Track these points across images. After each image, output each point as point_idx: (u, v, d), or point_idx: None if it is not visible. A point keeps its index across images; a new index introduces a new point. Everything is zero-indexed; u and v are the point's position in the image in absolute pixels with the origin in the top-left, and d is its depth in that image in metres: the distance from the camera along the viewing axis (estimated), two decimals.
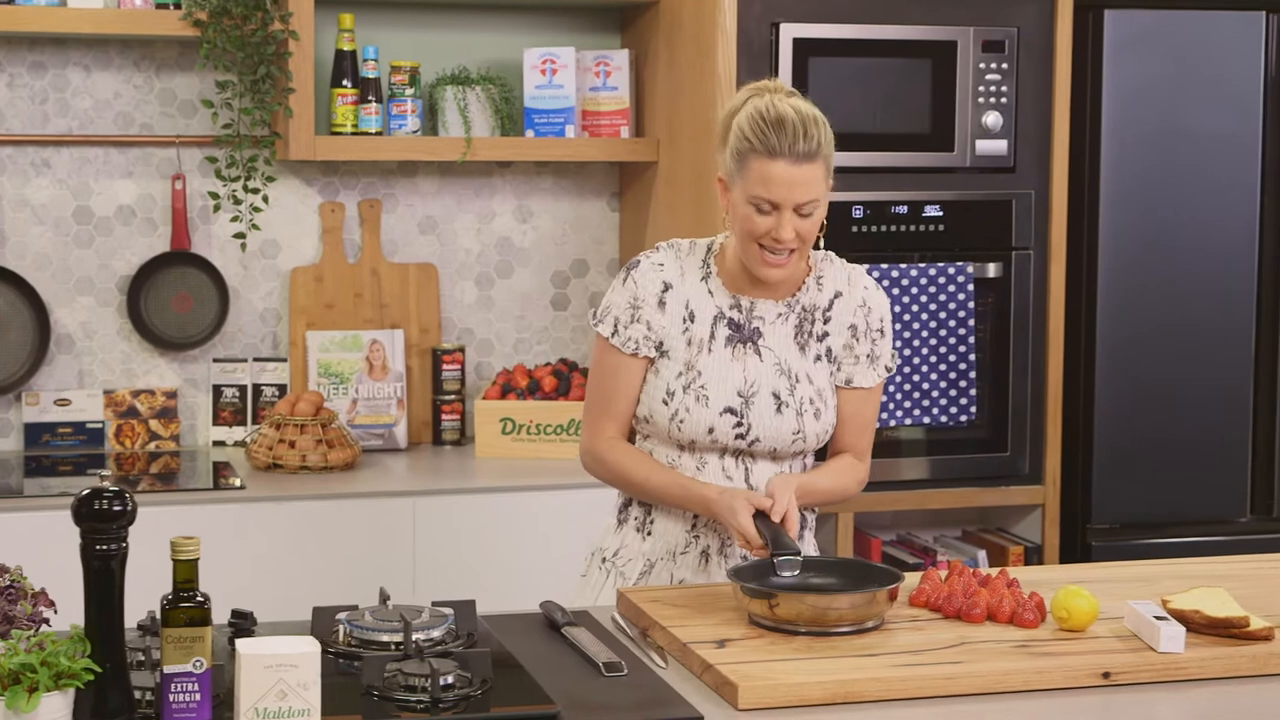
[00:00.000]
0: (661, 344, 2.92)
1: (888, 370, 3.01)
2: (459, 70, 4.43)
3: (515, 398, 4.34)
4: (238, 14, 4.11)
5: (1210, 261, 4.34)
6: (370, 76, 4.30)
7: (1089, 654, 2.48)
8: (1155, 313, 4.32)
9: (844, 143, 4.06)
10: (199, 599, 2.08)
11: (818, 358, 2.94)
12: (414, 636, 2.48)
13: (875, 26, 4.12)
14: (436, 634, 2.52)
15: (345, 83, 4.29)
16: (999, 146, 4.21)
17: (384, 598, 2.63)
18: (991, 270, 4.23)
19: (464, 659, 2.37)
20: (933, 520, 4.53)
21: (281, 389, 4.45)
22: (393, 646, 2.48)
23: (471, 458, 4.34)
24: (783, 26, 4.05)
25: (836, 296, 2.95)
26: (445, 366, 4.46)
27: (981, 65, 4.18)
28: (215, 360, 4.46)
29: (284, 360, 4.47)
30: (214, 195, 4.32)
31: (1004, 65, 4.20)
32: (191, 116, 4.38)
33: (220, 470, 4.13)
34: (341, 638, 2.53)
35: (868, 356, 2.97)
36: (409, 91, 4.32)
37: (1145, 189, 4.29)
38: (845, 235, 4.12)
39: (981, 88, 4.19)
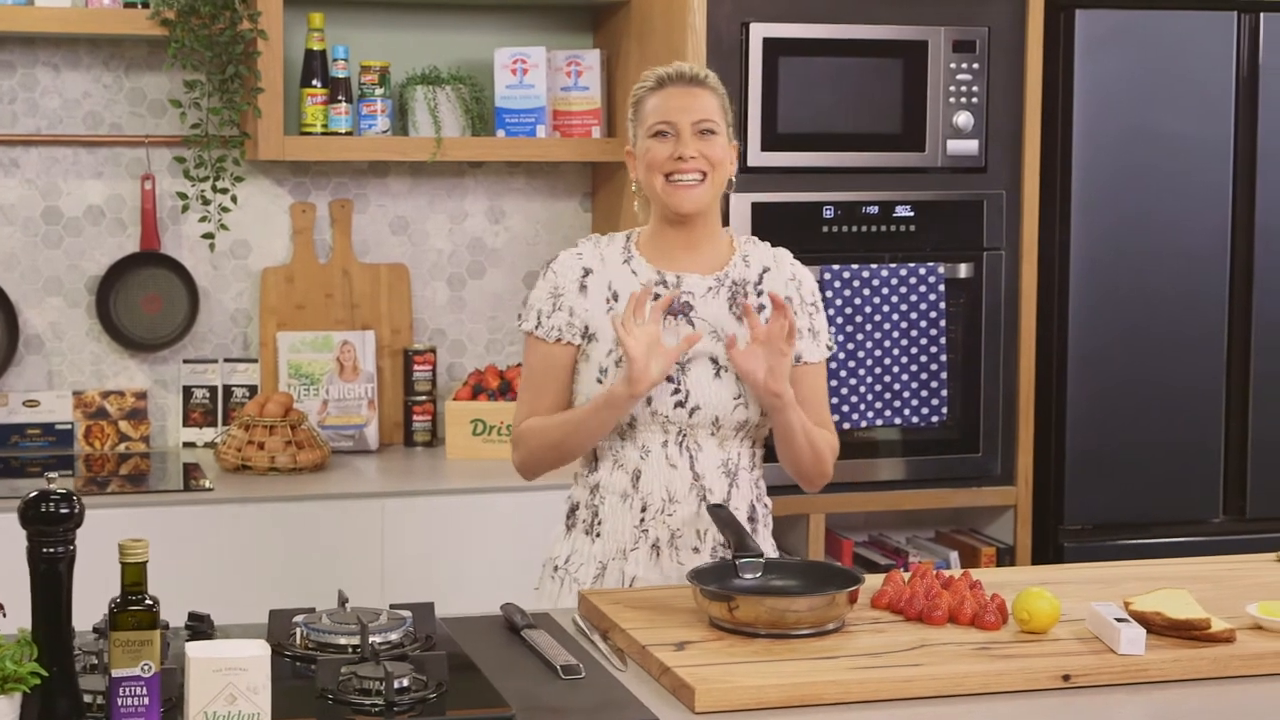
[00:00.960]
0: (587, 328, 2.92)
1: (829, 349, 3.04)
2: (429, 70, 4.41)
3: (486, 399, 4.32)
4: (206, 13, 4.09)
5: (1182, 262, 4.33)
6: (340, 76, 4.29)
7: (1049, 656, 2.48)
8: (1127, 313, 4.31)
9: (815, 143, 4.12)
10: (148, 602, 2.07)
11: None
12: (371, 639, 2.47)
13: (846, 26, 4.11)
14: (394, 637, 2.51)
15: (315, 82, 4.28)
16: (970, 146, 4.20)
17: (342, 600, 2.62)
18: (963, 271, 4.22)
19: (420, 662, 2.36)
20: (906, 521, 4.53)
21: (252, 390, 4.44)
22: (349, 649, 2.47)
23: (442, 459, 4.32)
24: (753, 26, 4.04)
25: (765, 271, 2.98)
26: (416, 367, 4.45)
27: (952, 65, 4.18)
28: (185, 361, 4.44)
29: (255, 361, 4.46)
30: (183, 195, 4.30)
31: (975, 65, 4.19)
32: (161, 116, 4.36)
33: (190, 472, 4.11)
34: (299, 640, 2.51)
35: (810, 331, 2.99)
36: (379, 91, 4.31)
37: (1117, 189, 4.29)
38: (816, 235, 4.12)
39: (952, 88, 4.18)
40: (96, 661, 2.32)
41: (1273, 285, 4.39)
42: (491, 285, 4.63)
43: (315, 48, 4.29)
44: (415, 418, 4.46)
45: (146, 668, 2.05)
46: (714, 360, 2.91)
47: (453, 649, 2.53)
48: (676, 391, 2.89)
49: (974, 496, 4.31)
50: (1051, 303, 4.32)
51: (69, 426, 4.35)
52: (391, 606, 2.62)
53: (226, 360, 4.46)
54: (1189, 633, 2.53)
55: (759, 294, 2.95)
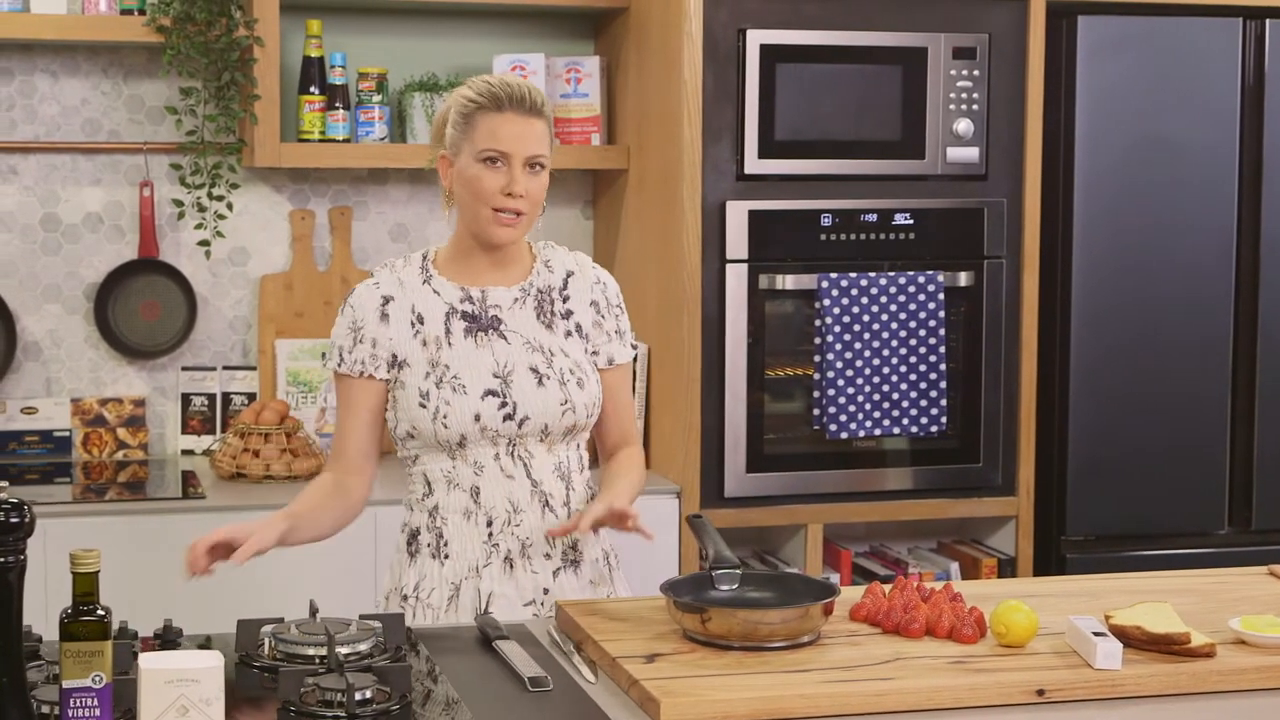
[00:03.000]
0: (395, 356, 2.89)
1: (634, 348, 3.06)
2: (427, 77, 4.39)
3: None
4: (202, 20, 4.09)
5: (1186, 270, 4.29)
6: (338, 83, 4.28)
7: (1025, 670, 2.44)
8: (1130, 322, 4.27)
9: (813, 150, 4.09)
10: (99, 613, 2.05)
11: (568, 333, 2.95)
12: (341, 650, 2.45)
13: (844, 33, 4.08)
14: (363, 648, 2.48)
15: (312, 89, 4.27)
16: (970, 154, 4.17)
17: (313, 610, 2.60)
18: (963, 279, 4.19)
19: (384, 673, 2.34)
20: (909, 532, 4.49)
21: (251, 397, 4.43)
22: (317, 660, 2.45)
23: None
24: (750, 33, 4.01)
25: (569, 275, 2.98)
26: None
27: (953, 72, 4.14)
28: (184, 368, 4.43)
29: (253, 369, 4.44)
30: (178, 203, 4.29)
31: (975, 72, 4.15)
32: (160, 123, 4.36)
33: (188, 479, 4.10)
34: (267, 651, 2.49)
35: (616, 332, 3.00)
36: (376, 98, 4.29)
37: (1120, 197, 4.25)
38: (814, 243, 4.09)
39: (953, 94, 4.15)
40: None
41: (1278, 293, 4.34)
42: None
43: (313, 54, 4.28)
44: None
45: (98, 679, 2.03)
46: (534, 370, 2.89)
47: (423, 660, 2.51)
48: (504, 405, 2.86)
49: (975, 507, 4.27)
50: (1053, 311, 4.28)
51: (67, 434, 4.34)
52: (362, 617, 2.59)
53: (225, 368, 4.45)
54: (1168, 647, 2.49)
55: (564, 299, 2.95)
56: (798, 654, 2.51)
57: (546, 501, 2.91)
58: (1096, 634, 2.47)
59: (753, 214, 4.04)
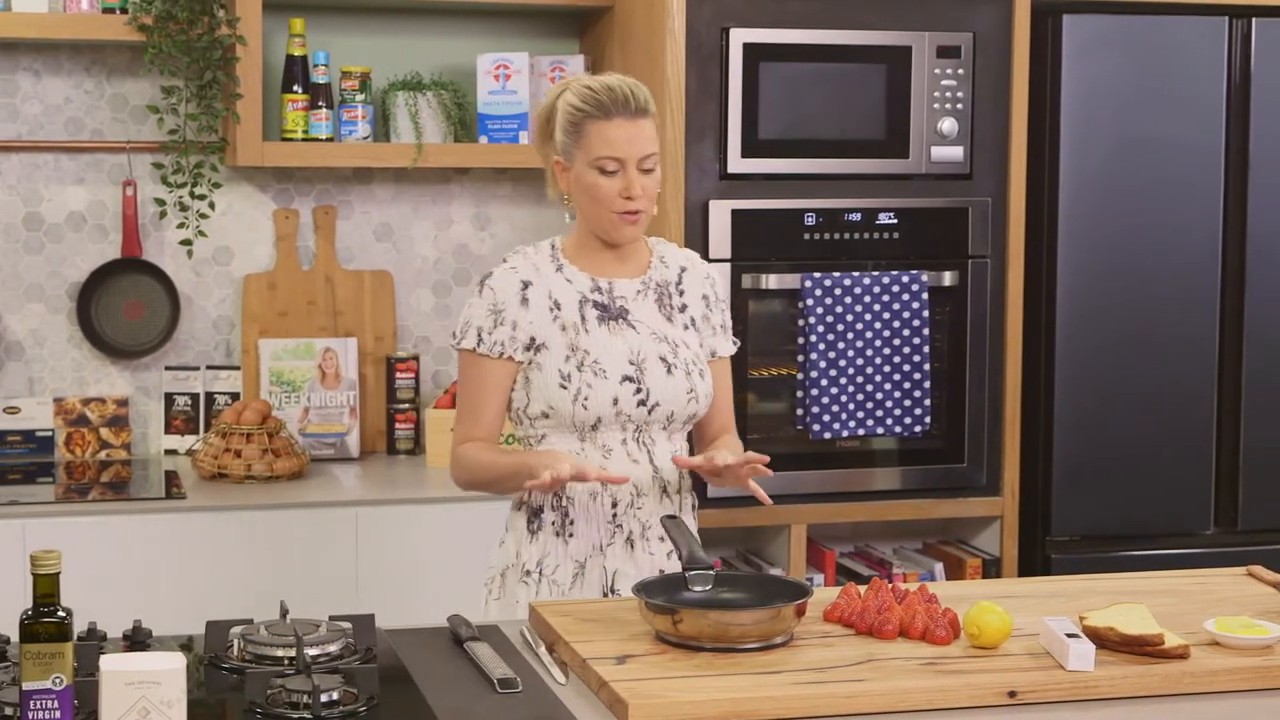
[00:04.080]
0: (533, 339, 2.96)
1: (734, 344, 3.13)
2: (411, 76, 4.38)
3: None
4: (184, 19, 4.07)
5: (1172, 270, 4.27)
6: (321, 82, 4.26)
7: (997, 672, 2.43)
8: (1116, 322, 4.26)
9: (797, 149, 4.07)
10: (60, 614, 2.03)
11: (686, 326, 3.04)
12: (310, 652, 2.44)
13: (828, 31, 4.06)
14: (332, 649, 2.48)
15: (296, 88, 4.26)
16: (955, 153, 4.15)
17: (283, 611, 2.58)
18: (947, 279, 4.17)
19: (351, 675, 2.32)
20: (895, 532, 4.47)
21: (235, 397, 4.41)
22: (285, 661, 2.43)
23: (423, 467, 4.29)
24: (733, 31, 4.00)
25: (683, 270, 3.07)
26: (399, 375, 4.42)
27: (937, 71, 4.13)
28: (167, 368, 4.42)
29: (237, 368, 4.43)
30: (160, 202, 4.28)
31: (960, 71, 4.14)
32: (143, 122, 4.34)
33: (172, 479, 4.09)
34: (236, 652, 2.48)
35: (721, 326, 3.10)
36: (359, 97, 4.28)
37: (1105, 197, 4.23)
38: (797, 243, 4.07)
39: (937, 93, 4.13)
40: None
41: (1265, 293, 4.32)
42: None
43: (296, 53, 4.26)
44: (398, 426, 4.43)
45: (58, 680, 2.02)
46: (663, 359, 2.98)
47: (391, 661, 2.50)
48: (639, 391, 2.94)
49: (959, 507, 4.26)
50: (1038, 311, 4.27)
51: (50, 434, 4.33)
52: (331, 618, 2.58)
53: (209, 367, 4.44)
54: (1142, 649, 2.48)
55: (680, 293, 3.04)
56: (770, 655, 2.49)
57: (664, 487, 3.01)
58: (1069, 635, 2.46)
59: (736, 213, 4.03)
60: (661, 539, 2.98)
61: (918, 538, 4.49)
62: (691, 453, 3.10)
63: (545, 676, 2.48)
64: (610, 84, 2.93)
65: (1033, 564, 4.33)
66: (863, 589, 2.76)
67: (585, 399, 2.92)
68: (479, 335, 2.97)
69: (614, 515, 2.98)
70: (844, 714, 2.32)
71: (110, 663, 2.04)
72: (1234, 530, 4.38)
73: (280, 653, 2.45)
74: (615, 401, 2.93)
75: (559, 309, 2.96)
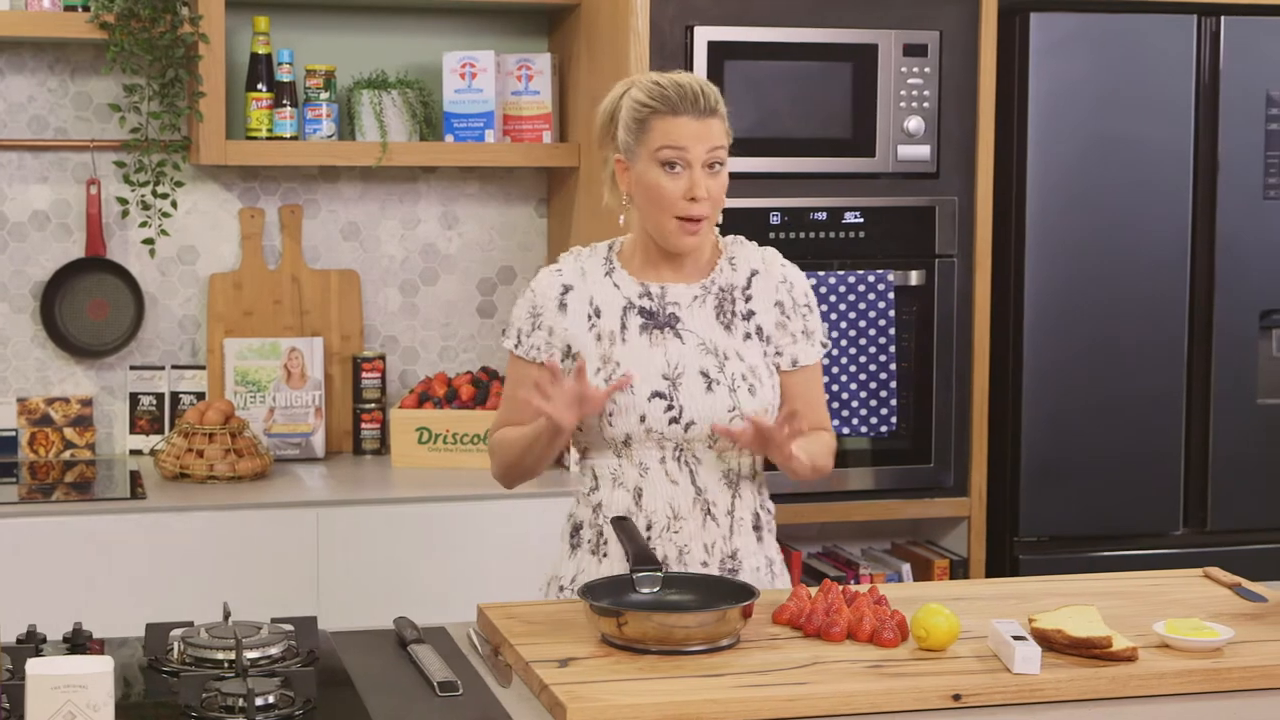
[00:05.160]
0: (569, 346, 2.88)
1: (824, 346, 2.98)
2: (376, 74, 4.36)
3: (432, 407, 4.27)
4: (146, 16, 4.05)
5: (1141, 270, 4.26)
6: (285, 80, 4.24)
7: (943, 675, 2.41)
8: (1084, 322, 4.24)
9: (762, 148, 4.05)
10: None
11: (747, 336, 2.90)
12: (251, 654, 2.42)
13: (793, 30, 4.04)
14: (273, 651, 2.45)
15: (260, 86, 4.23)
16: (921, 152, 4.13)
17: (225, 613, 2.56)
18: (914, 278, 4.15)
19: (288, 678, 2.30)
20: (864, 533, 4.46)
21: (200, 396, 4.39)
22: (225, 664, 2.41)
23: (388, 467, 4.27)
24: (697, 29, 3.98)
25: (753, 275, 2.93)
26: (365, 375, 4.40)
27: (903, 69, 4.11)
28: (132, 368, 4.39)
29: (202, 368, 4.41)
30: (122, 201, 4.26)
31: (926, 69, 4.12)
32: (107, 120, 4.32)
33: (135, 480, 4.06)
34: (175, 655, 2.46)
35: (804, 333, 2.94)
36: (324, 96, 4.26)
37: (1073, 196, 4.21)
38: (762, 242, 3.97)
39: (903, 92, 4.11)
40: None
41: (1234, 293, 4.31)
42: (445, 292, 4.58)
43: (260, 51, 4.24)
44: (364, 426, 4.40)
45: None
46: (705, 374, 2.85)
47: (332, 664, 2.48)
48: (670, 408, 2.84)
49: (926, 508, 4.24)
50: (1006, 311, 4.25)
51: (13, 434, 4.30)
52: (273, 620, 2.56)
53: (174, 367, 4.42)
54: (1089, 651, 2.46)
55: (746, 299, 2.91)
56: (714, 658, 2.47)
57: (709, 510, 2.88)
58: (1016, 638, 2.44)
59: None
60: (704, 564, 2.87)
61: (886, 538, 4.47)
62: (769, 465, 2.95)
63: (489, 680, 2.46)
64: (680, 80, 2.82)
65: (1001, 565, 4.31)
66: (814, 590, 2.74)
67: (610, 415, 2.83)
68: (518, 336, 2.93)
69: (648, 537, 2.87)
70: (786, 717, 2.30)
71: (36, 666, 2.02)
72: (1203, 531, 4.36)
73: (220, 655, 2.43)
74: (643, 419, 2.83)
75: (598, 316, 2.88)
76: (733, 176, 3.97)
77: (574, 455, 4.16)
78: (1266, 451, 4.34)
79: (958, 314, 4.20)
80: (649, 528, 2.87)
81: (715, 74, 3.98)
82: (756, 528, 2.95)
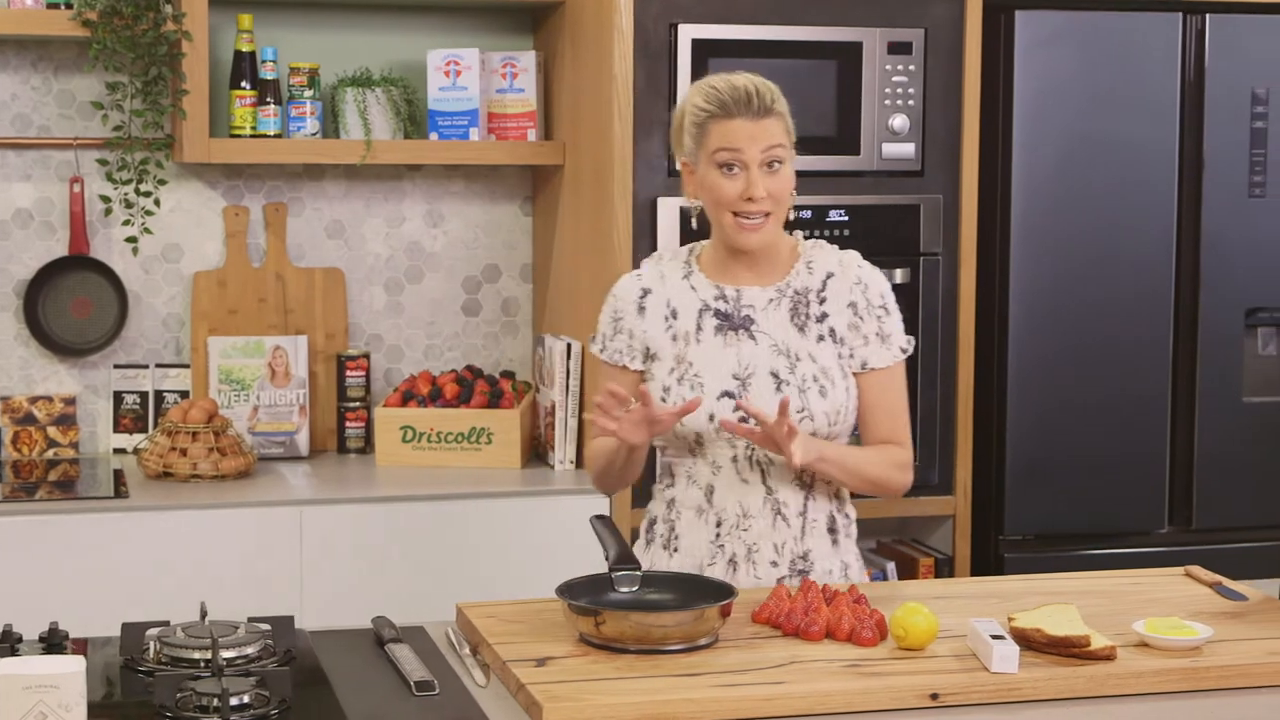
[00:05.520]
0: (648, 349, 2.93)
1: (903, 350, 2.96)
2: (360, 72, 4.35)
3: (416, 405, 4.26)
4: (129, 14, 4.04)
5: (1126, 267, 4.25)
6: (269, 78, 4.23)
7: (921, 674, 2.40)
8: (1069, 319, 4.23)
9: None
10: None
11: (820, 338, 2.92)
12: (227, 654, 2.41)
13: (777, 28, 4.03)
14: (250, 651, 2.45)
15: (244, 84, 4.22)
16: (906, 150, 4.12)
17: (202, 613, 2.55)
18: (899, 276, 4.13)
19: (264, 678, 2.30)
20: None
21: (184, 395, 4.38)
22: (201, 664, 2.41)
23: (373, 466, 4.26)
24: (681, 27, 3.97)
25: (829, 277, 2.95)
26: (349, 373, 4.39)
27: (888, 67, 4.10)
28: (116, 366, 4.38)
29: (186, 366, 4.40)
30: (105, 199, 4.25)
31: (911, 67, 4.11)
32: (91, 118, 4.31)
33: (120, 478, 4.05)
34: (152, 655, 2.45)
35: (877, 335, 2.93)
36: (308, 93, 4.25)
37: (1058, 194, 4.20)
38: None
39: (888, 90, 4.10)
40: None
41: (1219, 291, 4.30)
42: (430, 290, 4.57)
43: (244, 49, 4.23)
44: (348, 424, 4.39)
45: None
46: (775, 374, 2.88)
47: (310, 663, 2.47)
48: (738, 408, 2.85)
49: (911, 506, 4.23)
50: (991, 309, 4.24)
51: None
52: (250, 620, 2.55)
53: (158, 365, 4.41)
54: (1068, 650, 2.46)
55: (821, 302, 2.92)
56: (692, 657, 2.47)
57: (779, 510, 2.90)
58: (994, 637, 2.44)
59: (685, 210, 3.99)
60: (774, 563, 2.90)
61: (871, 537, 4.46)
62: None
63: (466, 679, 2.45)
64: (735, 82, 2.85)
65: (986, 563, 4.31)
66: (794, 589, 2.73)
67: (680, 420, 2.85)
68: (602, 342, 2.99)
69: (717, 535, 2.91)
70: (761, 716, 2.29)
71: (7, 666, 2.01)
72: (1188, 529, 4.36)
73: (196, 655, 2.42)
74: (712, 418, 2.86)
75: (675, 318, 2.93)
76: None
77: (562, 455, 4.16)
78: (1252, 450, 4.33)
79: (943, 312, 4.19)
80: (719, 524, 2.91)
81: (699, 72, 3.96)
82: (832, 530, 2.96)
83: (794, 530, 2.91)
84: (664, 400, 2.88)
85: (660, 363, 2.92)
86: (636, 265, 3.93)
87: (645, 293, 2.95)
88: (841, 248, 4.03)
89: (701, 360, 2.89)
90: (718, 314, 2.91)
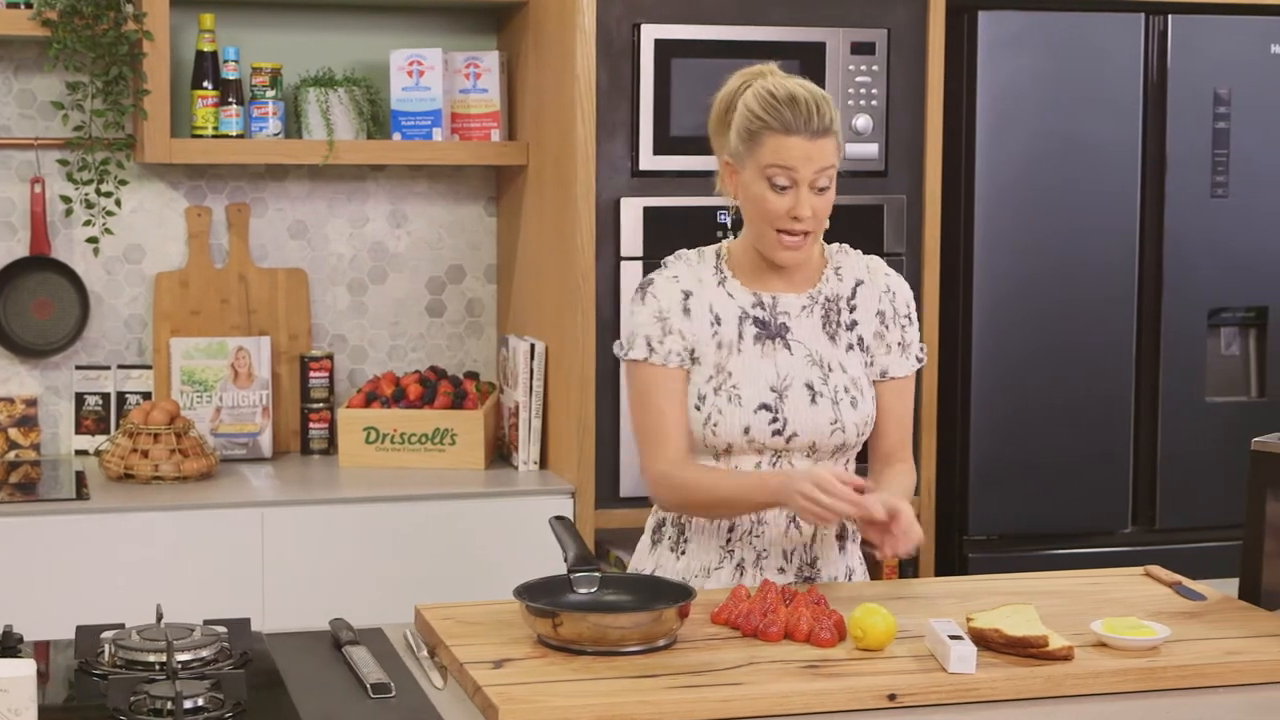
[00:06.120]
0: (693, 351, 2.87)
1: (919, 361, 2.96)
2: (323, 71, 4.34)
3: (380, 406, 4.25)
4: (89, 14, 4.02)
5: (1089, 268, 4.26)
6: (231, 78, 4.21)
7: (879, 675, 2.40)
8: (1033, 320, 4.24)
9: (709, 146, 4.00)
10: None
11: (850, 346, 2.90)
12: (183, 657, 2.40)
13: (740, 28, 4.03)
14: (205, 654, 2.43)
15: (206, 84, 4.20)
16: (870, 150, 4.12)
17: (158, 615, 2.54)
18: None
19: (219, 680, 2.28)
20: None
21: (147, 396, 4.36)
22: (156, 667, 2.39)
23: (336, 467, 4.24)
24: (644, 27, 3.96)
25: (858, 284, 2.93)
26: (313, 374, 4.37)
27: (851, 67, 4.10)
28: (78, 367, 4.36)
29: (149, 368, 4.38)
30: (66, 199, 4.23)
31: (874, 67, 4.11)
32: (52, 118, 4.29)
33: (82, 480, 4.03)
34: (106, 658, 2.44)
35: (899, 344, 2.93)
36: (270, 93, 4.23)
37: (1021, 194, 4.21)
38: (710, 240, 3.98)
39: (851, 90, 4.10)
40: None
41: (1182, 291, 4.31)
42: (394, 290, 4.56)
43: (206, 49, 4.21)
44: (312, 425, 4.38)
45: None
46: (809, 386, 2.86)
47: (265, 665, 2.46)
48: (775, 420, 2.84)
49: None
50: (955, 310, 4.25)
51: None
52: (206, 622, 2.54)
53: (120, 366, 4.38)
54: (1026, 650, 2.45)
55: (851, 309, 2.90)
56: (650, 659, 2.46)
57: (794, 517, 2.87)
58: (952, 637, 2.43)
59: (648, 210, 3.99)
60: (781, 569, 2.88)
61: None
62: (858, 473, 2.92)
63: (423, 681, 2.44)
64: (795, 94, 2.78)
65: (950, 564, 4.31)
66: (753, 590, 2.73)
67: (715, 425, 2.83)
68: (648, 344, 2.86)
69: (728, 539, 2.89)
70: (719, 718, 2.29)
71: None
72: (1151, 529, 4.37)
73: (151, 658, 2.40)
74: (747, 430, 2.83)
75: (719, 324, 2.86)
76: (679, 175, 4.02)
77: (528, 456, 4.15)
78: (1215, 450, 4.34)
79: None
80: (731, 529, 2.89)
81: (662, 72, 3.97)
82: (840, 537, 2.95)
83: (804, 537, 2.90)
84: (697, 409, 2.84)
85: (700, 368, 2.86)
86: (600, 265, 3.95)
87: (687, 294, 2.87)
88: None
89: (740, 371, 2.84)
90: (756, 321, 2.87)
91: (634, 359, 2.88)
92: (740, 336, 2.87)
